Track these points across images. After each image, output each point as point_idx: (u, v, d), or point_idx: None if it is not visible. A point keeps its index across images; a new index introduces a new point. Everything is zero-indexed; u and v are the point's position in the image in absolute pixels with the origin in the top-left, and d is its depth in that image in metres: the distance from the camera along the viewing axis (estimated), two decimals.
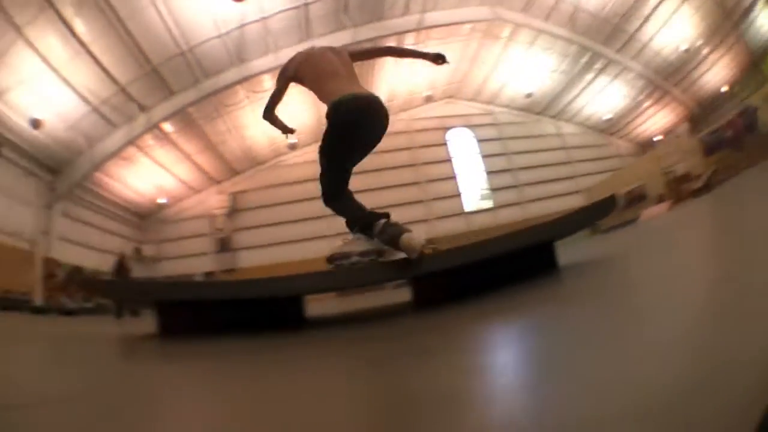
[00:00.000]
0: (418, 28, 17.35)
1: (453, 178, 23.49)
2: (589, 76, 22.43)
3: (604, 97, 23.75)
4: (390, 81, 19.65)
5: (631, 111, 24.86)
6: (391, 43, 15.49)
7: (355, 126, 2.64)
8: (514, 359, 1.16)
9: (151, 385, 1.47)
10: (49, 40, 12.62)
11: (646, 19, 18.71)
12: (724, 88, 21.06)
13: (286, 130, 3.22)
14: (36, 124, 14.44)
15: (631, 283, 1.98)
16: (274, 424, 0.89)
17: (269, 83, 17.53)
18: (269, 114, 3.06)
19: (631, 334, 1.06)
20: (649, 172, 19.76)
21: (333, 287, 4.08)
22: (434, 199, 22.40)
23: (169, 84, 15.80)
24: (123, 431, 0.94)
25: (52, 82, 13.88)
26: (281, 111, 3.12)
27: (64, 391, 1.35)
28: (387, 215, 2.73)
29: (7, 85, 13.05)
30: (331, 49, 3.07)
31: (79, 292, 14.87)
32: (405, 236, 2.55)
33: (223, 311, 2.71)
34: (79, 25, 12.62)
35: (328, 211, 2.90)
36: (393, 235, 2.58)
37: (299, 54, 3.01)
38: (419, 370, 1.15)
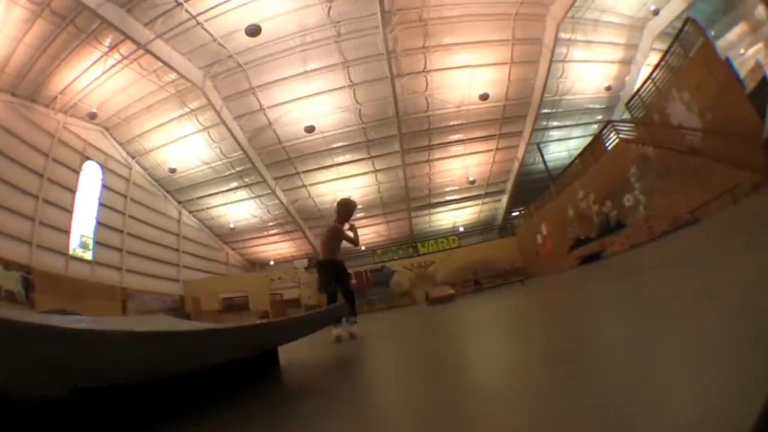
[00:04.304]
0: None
1: (70, 212, 18.40)
2: (234, 184, 24.01)
3: (238, 208, 25.58)
4: None
5: (258, 230, 27.65)
6: None
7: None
8: None
9: None
10: None
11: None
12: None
13: None
14: None
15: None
16: None
17: None
18: None
19: None
20: (257, 288, 22.16)
21: None
22: (42, 223, 16.78)
23: None
24: None
25: None
26: None
27: None
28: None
29: None
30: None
31: None
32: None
33: None
34: None
35: None
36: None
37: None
38: None
